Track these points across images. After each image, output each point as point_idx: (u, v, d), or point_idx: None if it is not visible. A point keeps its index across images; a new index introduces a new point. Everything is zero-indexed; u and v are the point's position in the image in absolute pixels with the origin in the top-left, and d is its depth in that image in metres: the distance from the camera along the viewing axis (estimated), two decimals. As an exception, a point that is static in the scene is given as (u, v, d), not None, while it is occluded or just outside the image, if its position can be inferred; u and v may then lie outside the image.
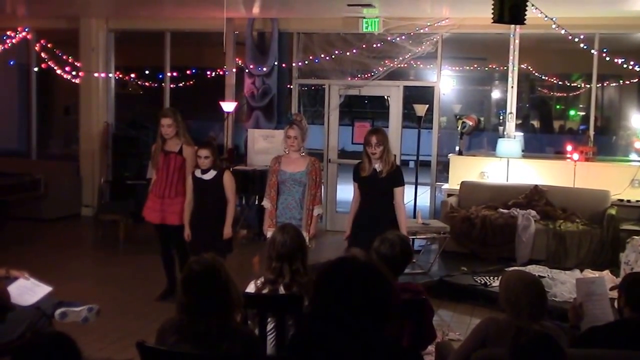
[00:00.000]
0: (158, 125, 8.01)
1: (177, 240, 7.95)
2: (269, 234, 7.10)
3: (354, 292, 2.72)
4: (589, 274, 8.51)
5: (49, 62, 13.94)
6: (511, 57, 11.55)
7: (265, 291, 4.72)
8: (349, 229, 7.09)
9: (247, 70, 12.79)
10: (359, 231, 6.88)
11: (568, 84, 16.07)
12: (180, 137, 7.99)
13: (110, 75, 13.86)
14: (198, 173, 7.65)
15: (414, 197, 11.46)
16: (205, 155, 7.52)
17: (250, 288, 4.81)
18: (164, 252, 8.23)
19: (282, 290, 4.69)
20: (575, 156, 10.89)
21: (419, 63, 13.10)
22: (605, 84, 15.20)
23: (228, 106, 12.51)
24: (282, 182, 7.13)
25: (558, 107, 19.14)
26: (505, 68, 11.81)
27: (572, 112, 18.90)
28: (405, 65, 12.40)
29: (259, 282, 4.79)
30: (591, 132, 11.60)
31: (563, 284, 8.16)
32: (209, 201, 7.62)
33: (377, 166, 6.88)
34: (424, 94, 13.07)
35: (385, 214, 6.82)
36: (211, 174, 7.60)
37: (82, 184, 13.63)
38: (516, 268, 7.76)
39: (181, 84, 13.90)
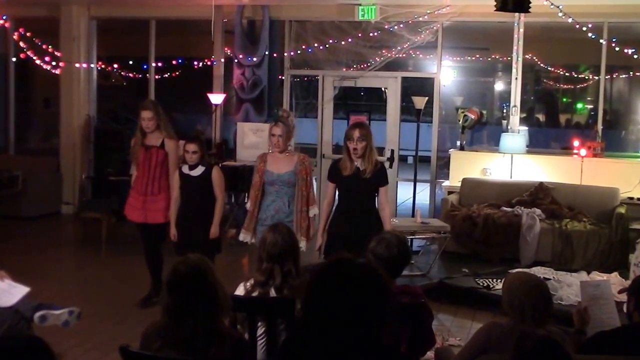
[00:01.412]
0: (138, 119, 8.01)
1: (156, 240, 7.97)
2: (242, 236, 7.18)
3: (348, 295, 2.72)
4: (597, 276, 8.52)
5: (27, 52, 13.90)
6: (515, 47, 11.56)
7: (255, 294, 4.71)
8: (321, 237, 6.86)
9: (236, 61, 12.77)
10: (337, 236, 6.66)
11: (575, 76, 16.10)
12: (161, 130, 7.97)
13: (92, 65, 13.84)
14: (185, 169, 7.64)
15: (413, 195, 11.48)
16: (193, 150, 7.52)
17: (240, 291, 4.80)
18: (148, 252, 8.20)
19: (273, 293, 4.68)
20: (583, 152, 10.90)
21: (418, 53, 13.11)
22: (614, 76, 15.24)
23: (216, 98, 12.50)
24: (270, 184, 7.06)
25: (564, 99, 19.18)
26: (509, 58, 11.83)
27: (579, 105, 18.94)
28: (404, 55, 12.41)
29: (248, 284, 4.79)
30: (599, 127, 11.61)
31: (569, 287, 8.18)
32: (197, 199, 7.61)
33: (360, 165, 6.63)
34: (424, 86, 13.08)
35: (370, 216, 6.64)
36: (199, 170, 7.59)
37: (63, 180, 13.61)
38: (520, 270, 7.78)
39: (166, 75, 13.89)
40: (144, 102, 8.31)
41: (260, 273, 4.74)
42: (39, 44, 13.85)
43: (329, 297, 2.74)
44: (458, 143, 11.98)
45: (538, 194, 10.56)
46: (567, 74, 15.84)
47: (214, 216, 7.61)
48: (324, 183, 12.36)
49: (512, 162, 11.26)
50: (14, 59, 14.36)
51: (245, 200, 11.50)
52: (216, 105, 12.56)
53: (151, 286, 8.16)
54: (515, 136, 11.41)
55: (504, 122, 12.85)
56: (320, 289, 2.78)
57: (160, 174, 7.98)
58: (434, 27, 11.94)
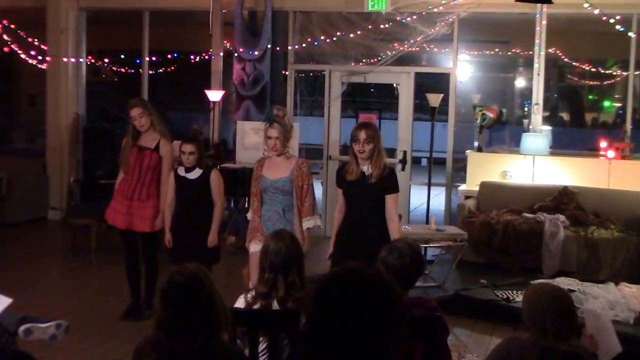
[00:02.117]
0: (128, 120, 7.98)
1: (146, 249, 7.97)
2: (251, 248, 6.96)
3: (357, 308, 2.71)
4: (625, 287, 8.51)
5: (12, 46, 13.93)
6: (537, 41, 11.55)
7: (256, 306, 4.72)
8: (332, 246, 6.73)
9: (236, 55, 12.78)
10: (342, 248, 6.57)
11: (602, 71, 16.06)
12: (155, 127, 7.93)
13: (82, 60, 13.86)
14: (181, 171, 7.64)
15: (427, 200, 11.47)
16: (189, 151, 7.49)
17: (240, 303, 4.81)
18: (128, 262, 8.20)
19: (275, 305, 4.69)
20: (610, 153, 10.88)
21: (432, 46, 13.10)
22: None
23: (214, 95, 12.51)
24: (264, 191, 6.93)
25: (591, 97, 19.17)
26: (530, 53, 11.82)
27: (606, 103, 18.92)
28: (417, 49, 12.40)
29: (249, 296, 4.79)
30: (628, 126, 11.60)
31: (596, 299, 8.17)
32: (193, 204, 7.61)
33: (366, 169, 6.48)
34: (438, 82, 13.09)
35: (374, 227, 6.46)
36: (196, 173, 7.59)
37: (49, 183, 13.62)
38: (542, 281, 7.78)
39: (161, 70, 13.91)
40: (130, 101, 8.24)
41: (262, 284, 4.74)
42: (24, 36, 13.88)
43: (336, 310, 2.73)
44: (476, 144, 11.98)
45: (562, 199, 10.56)
46: (593, 69, 15.80)
47: (212, 223, 7.60)
48: (331, 187, 12.39)
49: (534, 164, 11.25)
50: (-3, 53, 14.41)
51: (246, 205, 11.52)
52: (214, 102, 12.57)
53: (131, 298, 8.17)
54: (538, 136, 11.40)
55: (525, 121, 12.85)
56: (327, 301, 2.78)
57: (151, 180, 7.94)
58: (450, 19, 11.93)
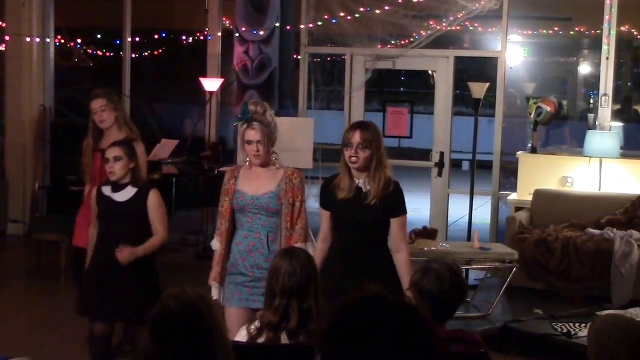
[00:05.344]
0: (89, 115, 7.94)
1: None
2: (214, 291, 6.29)
3: (382, 344, 2.71)
4: None
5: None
6: (607, 17, 11.52)
7: (261, 340, 4.72)
8: None
9: (237, 35, 12.81)
10: (329, 286, 5.69)
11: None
12: (121, 128, 7.88)
13: (49, 40, 13.89)
14: (107, 190, 6.83)
15: (469, 212, 11.46)
16: (115, 155, 6.71)
17: (242, 336, 4.82)
18: None
19: (285, 339, 4.69)
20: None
21: (476, 25, 13.11)
22: None
23: (211, 84, 12.54)
24: (241, 211, 6.25)
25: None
26: (598, 32, 11.79)
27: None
28: (458, 28, 12.39)
29: (253, 327, 4.79)
30: None
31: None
32: (121, 238, 6.64)
33: (363, 184, 5.98)
34: (484, 69, 13.10)
35: (373, 262, 5.97)
36: (128, 193, 6.78)
37: (9, 191, 13.64)
38: (612, 312, 7.76)
39: (146, 53, 13.93)
40: (93, 91, 8.21)
41: (272, 312, 4.73)
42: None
43: (355, 346, 2.73)
44: (529, 144, 11.96)
45: (636, 212, 10.53)
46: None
47: (144, 245, 6.68)
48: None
49: (601, 169, 11.22)
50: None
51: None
52: (211, 93, 12.60)
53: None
54: (606, 135, 11.38)
55: (591, 116, 12.83)
56: (344, 336, 2.77)
57: None
58: (498, -9, 11.95)
